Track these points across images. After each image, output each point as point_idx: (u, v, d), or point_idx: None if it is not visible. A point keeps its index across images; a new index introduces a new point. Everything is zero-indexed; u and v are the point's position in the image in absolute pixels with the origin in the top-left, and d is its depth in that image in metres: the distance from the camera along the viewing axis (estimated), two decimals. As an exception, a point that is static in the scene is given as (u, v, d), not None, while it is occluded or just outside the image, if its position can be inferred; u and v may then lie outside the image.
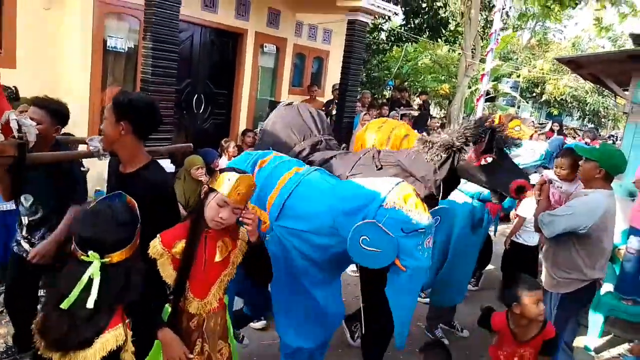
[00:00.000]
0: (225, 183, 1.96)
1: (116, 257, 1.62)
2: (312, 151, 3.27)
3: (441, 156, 2.72)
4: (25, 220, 2.64)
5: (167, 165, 5.04)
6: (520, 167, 3.34)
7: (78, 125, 5.16)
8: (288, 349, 2.66)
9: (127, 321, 1.69)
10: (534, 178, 3.44)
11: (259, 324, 3.78)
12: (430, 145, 2.76)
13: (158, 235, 2.00)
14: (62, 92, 5.35)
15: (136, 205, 1.82)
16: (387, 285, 2.31)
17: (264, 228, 2.59)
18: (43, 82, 5.28)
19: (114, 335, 1.58)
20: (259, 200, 2.64)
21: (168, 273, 1.98)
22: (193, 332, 2.06)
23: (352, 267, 4.80)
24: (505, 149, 2.70)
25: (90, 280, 1.58)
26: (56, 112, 2.66)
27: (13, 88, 4.27)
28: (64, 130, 4.09)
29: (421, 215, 2.24)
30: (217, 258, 2.04)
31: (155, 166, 2.32)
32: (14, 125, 2.30)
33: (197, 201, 2.09)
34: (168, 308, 2.05)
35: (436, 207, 2.53)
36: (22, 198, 2.60)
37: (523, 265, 4.15)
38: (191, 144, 3.47)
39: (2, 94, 2.57)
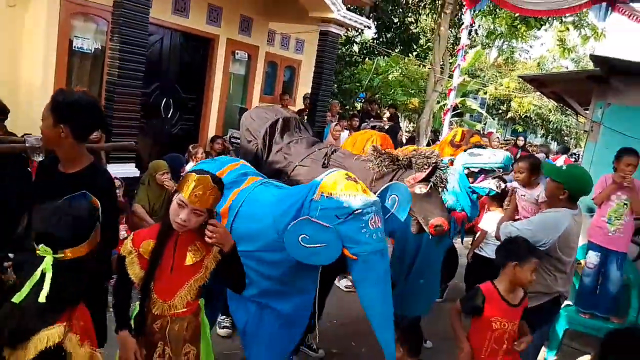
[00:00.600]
0: (186, 184, 1.96)
1: (70, 253, 1.58)
2: (284, 124, 3.51)
3: (383, 170, 2.80)
4: None
5: (132, 169, 4.93)
6: (480, 166, 3.41)
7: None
8: None
9: (74, 322, 1.59)
10: (487, 182, 3.46)
11: (223, 331, 3.70)
12: (378, 155, 2.85)
13: (131, 234, 2.06)
14: (24, 91, 5.18)
15: (99, 206, 1.75)
16: (353, 282, 2.30)
17: None
18: (7, 81, 5.10)
19: (47, 335, 1.49)
20: None
21: (135, 272, 2.00)
22: (156, 334, 2.04)
23: (347, 283, 4.79)
24: (440, 186, 2.84)
25: (43, 275, 1.54)
26: (3, 111, 2.58)
27: (-30, 85, 4.11)
28: (28, 131, 3.99)
29: (354, 197, 2.18)
30: (188, 262, 2.02)
31: (98, 167, 2.31)
32: None
33: (166, 202, 2.08)
34: (137, 306, 2.05)
35: (387, 185, 2.51)
36: None
37: (486, 277, 4.21)
38: (133, 142, 3.44)
39: None
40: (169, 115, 7.03)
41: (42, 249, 1.55)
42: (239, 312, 2.62)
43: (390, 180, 2.75)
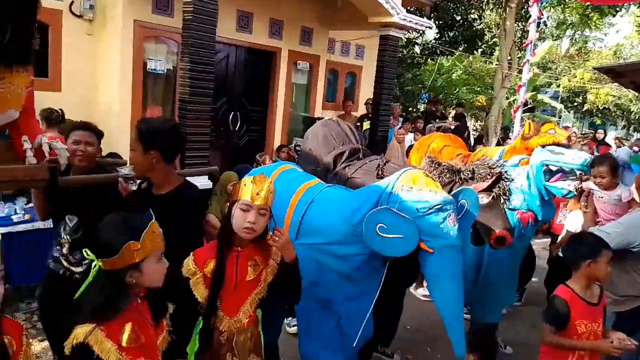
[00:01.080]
0: (243, 189, 2.00)
1: (101, 263, 1.60)
2: (350, 156, 3.32)
3: (444, 180, 2.72)
4: (67, 238, 2.65)
5: (205, 181, 5.13)
6: (560, 165, 3.17)
7: (120, 145, 5.34)
8: None
9: (101, 329, 1.54)
10: (566, 184, 3.24)
11: (293, 329, 3.74)
12: (436, 167, 2.78)
13: (191, 254, 2.05)
14: (105, 113, 5.56)
15: (149, 229, 1.64)
16: (425, 278, 2.29)
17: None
18: (86, 104, 5.51)
19: (75, 333, 1.52)
20: (275, 220, 2.63)
21: (200, 292, 2.01)
22: (223, 346, 2.07)
23: (424, 292, 4.72)
24: (503, 197, 2.74)
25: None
26: (101, 135, 2.79)
27: (59, 111, 4.45)
28: (110, 150, 4.28)
29: (435, 193, 2.22)
30: (249, 277, 2.05)
31: (191, 185, 2.45)
32: (45, 148, 2.35)
33: (224, 219, 2.10)
34: (200, 321, 2.08)
35: (459, 188, 2.49)
36: (66, 218, 2.64)
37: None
38: (217, 167, 3.56)
39: (35, 118, 2.60)
40: (237, 128, 7.27)
41: (85, 252, 1.61)
42: (303, 307, 2.57)
43: (450, 192, 2.66)
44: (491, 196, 2.69)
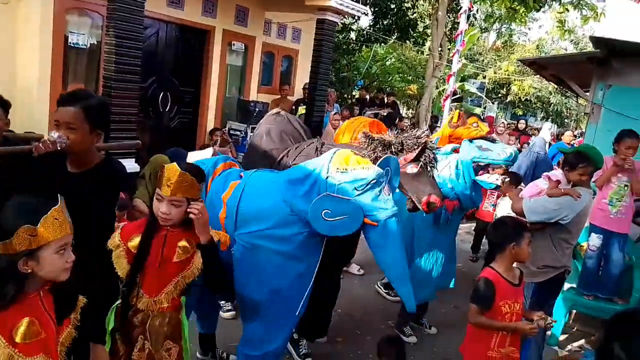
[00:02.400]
0: (160, 178, 1.98)
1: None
2: (302, 149, 3.34)
3: (378, 154, 2.81)
4: None
5: (132, 164, 4.92)
6: (489, 161, 3.39)
7: (38, 123, 4.99)
8: (257, 351, 2.60)
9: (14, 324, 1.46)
10: (494, 178, 3.46)
11: (228, 314, 3.75)
12: (371, 142, 2.87)
13: (120, 227, 2.04)
14: (21, 90, 5.17)
15: (50, 215, 1.49)
16: (372, 250, 2.44)
17: (224, 247, 2.57)
18: (3, 78, 5.08)
19: None
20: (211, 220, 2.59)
21: (122, 266, 2.00)
22: (136, 328, 2.04)
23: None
24: (430, 165, 2.91)
25: None
26: (6, 106, 2.58)
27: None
28: (26, 129, 3.99)
29: (367, 169, 2.37)
30: (176, 258, 2.03)
31: (114, 159, 2.33)
32: None
33: (151, 198, 2.09)
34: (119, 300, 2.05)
35: (382, 157, 2.63)
36: None
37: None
38: (139, 141, 3.38)
39: None
40: (167, 108, 7.00)
41: None
42: (248, 295, 2.60)
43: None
44: (419, 165, 2.83)
